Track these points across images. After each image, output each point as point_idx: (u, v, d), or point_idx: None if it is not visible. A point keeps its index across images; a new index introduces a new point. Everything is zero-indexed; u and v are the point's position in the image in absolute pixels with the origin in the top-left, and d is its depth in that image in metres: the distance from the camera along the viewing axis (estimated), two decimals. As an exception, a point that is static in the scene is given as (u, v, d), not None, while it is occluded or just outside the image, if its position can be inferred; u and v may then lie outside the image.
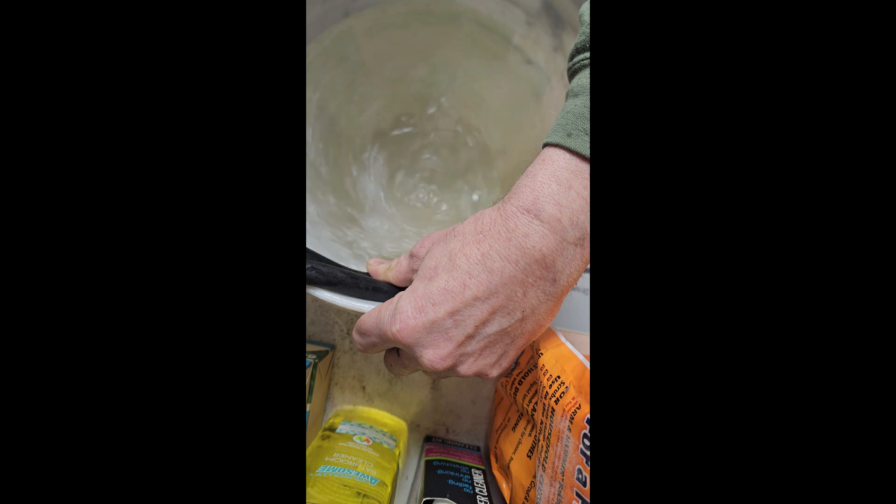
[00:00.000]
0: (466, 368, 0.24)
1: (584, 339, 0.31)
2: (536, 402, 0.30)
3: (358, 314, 0.29)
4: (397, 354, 0.27)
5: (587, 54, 0.22)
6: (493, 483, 0.35)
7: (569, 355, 0.27)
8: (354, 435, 0.37)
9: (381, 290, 0.29)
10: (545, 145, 0.23)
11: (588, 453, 0.23)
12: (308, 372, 0.35)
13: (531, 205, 0.22)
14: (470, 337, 0.23)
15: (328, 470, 0.32)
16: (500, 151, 0.42)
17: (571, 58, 0.24)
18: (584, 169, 0.21)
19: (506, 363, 0.25)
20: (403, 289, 0.27)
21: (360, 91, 0.40)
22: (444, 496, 0.31)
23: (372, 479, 0.32)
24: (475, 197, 0.43)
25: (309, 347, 0.39)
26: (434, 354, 0.23)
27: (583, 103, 0.22)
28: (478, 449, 0.41)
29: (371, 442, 0.36)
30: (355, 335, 0.26)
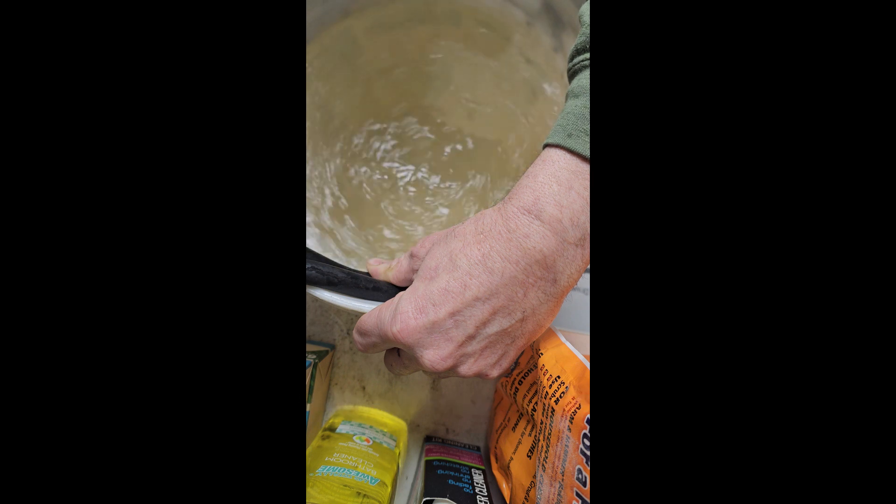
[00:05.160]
0: (467, 369, 0.24)
1: (584, 339, 0.31)
2: (536, 402, 0.30)
3: (358, 314, 0.29)
4: (398, 354, 0.27)
5: (587, 55, 0.22)
6: (493, 483, 0.35)
7: (569, 355, 0.27)
8: (354, 435, 0.37)
9: (381, 290, 0.29)
10: (545, 146, 0.23)
11: (588, 453, 0.23)
12: (308, 372, 0.35)
13: (532, 205, 0.22)
14: (470, 337, 0.23)
15: (328, 470, 0.32)
16: (500, 151, 0.42)
17: (571, 58, 0.24)
18: (585, 169, 0.21)
19: (506, 363, 0.25)
20: (404, 289, 0.27)
21: (359, 90, 0.40)
22: (444, 496, 0.31)
23: (372, 479, 0.32)
24: (475, 197, 0.43)
25: (309, 347, 0.39)
26: (435, 355, 0.23)
27: (583, 104, 0.22)
28: (478, 449, 0.41)
29: (371, 442, 0.36)
30: (356, 335, 0.26)
